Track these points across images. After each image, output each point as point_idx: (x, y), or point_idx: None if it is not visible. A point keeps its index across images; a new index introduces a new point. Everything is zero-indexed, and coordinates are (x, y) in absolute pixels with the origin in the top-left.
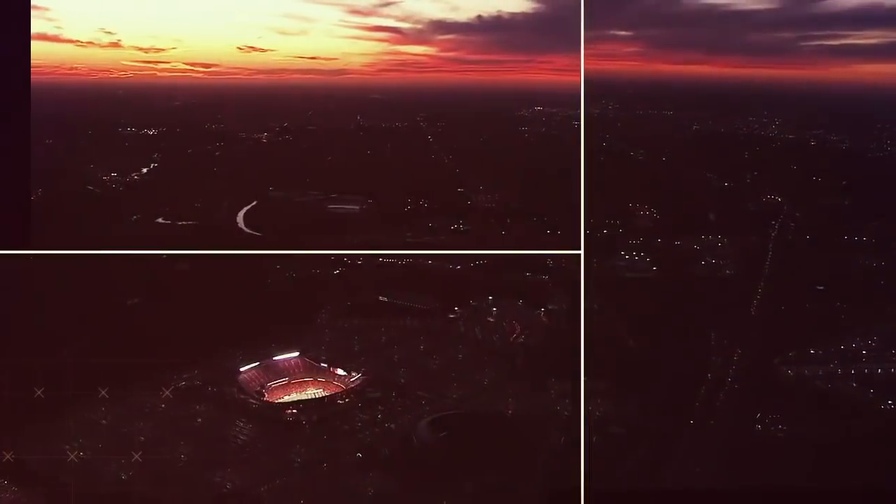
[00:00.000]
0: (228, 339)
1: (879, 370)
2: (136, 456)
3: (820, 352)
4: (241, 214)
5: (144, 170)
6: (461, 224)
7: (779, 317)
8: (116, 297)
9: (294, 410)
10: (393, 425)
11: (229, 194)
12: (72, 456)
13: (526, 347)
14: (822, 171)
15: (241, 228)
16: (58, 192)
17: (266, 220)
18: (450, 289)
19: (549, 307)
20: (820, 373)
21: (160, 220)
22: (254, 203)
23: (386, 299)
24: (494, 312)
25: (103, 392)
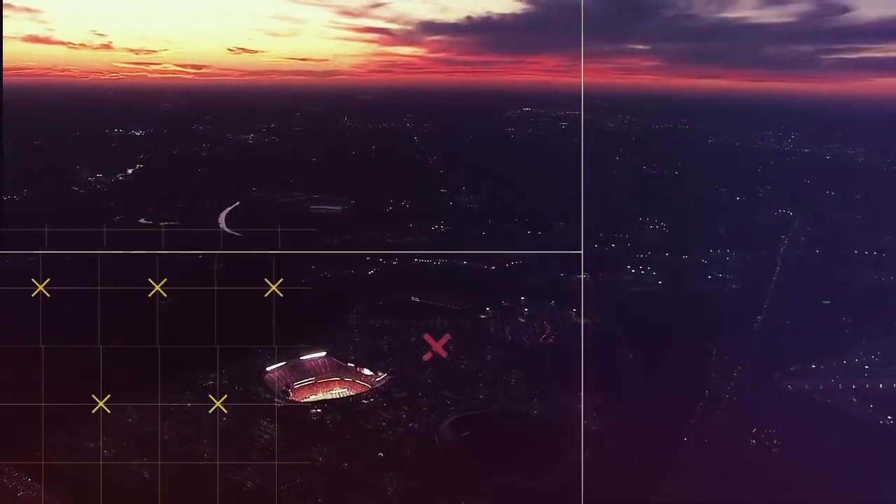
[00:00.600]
0: (258, 339)
1: (881, 385)
2: (159, 454)
3: (822, 366)
4: (223, 215)
5: (130, 171)
6: (442, 224)
7: (783, 331)
8: (150, 297)
9: (318, 410)
10: (417, 425)
11: (212, 195)
12: (96, 453)
13: (555, 348)
14: (836, 185)
15: (222, 229)
16: (43, 193)
17: (248, 221)
18: (483, 289)
19: (582, 307)
20: (821, 387)
21: (143, 220)
22: (237, 204)
23: (418, 299)
24: (526, 313)
25: (129, 392)
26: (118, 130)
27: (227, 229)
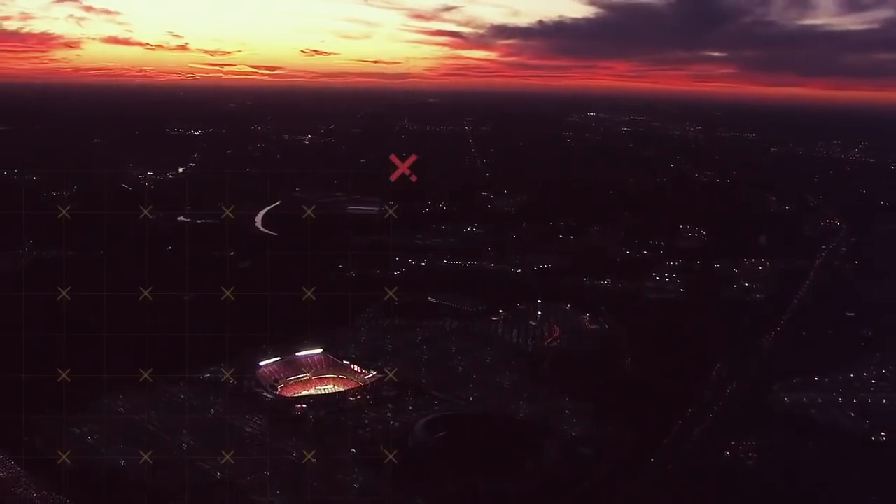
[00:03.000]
0: (268, 334)
1: (884, 400)
2: (140, 443)
3: (826, 379)
4: (261, 214)
5: (181, 169)
6: (475, 227)
7: (796, 342)
8: (173, 292)
9: (304, 405)
10: (398, 423)
11: (255, 194)
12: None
13: (558, 351)
14: (893, 196)
15: (257, 227)
16: (90, 190)
17: (284, 220)
18: (505, 291)
19: (597, 312)
20: (819, 400)
21: (181, 217)
22: (277, 203)
23: (435, 300)
24: (538, 316)
25: (126, 382)
26: (178, 130)
27: (262, 228)
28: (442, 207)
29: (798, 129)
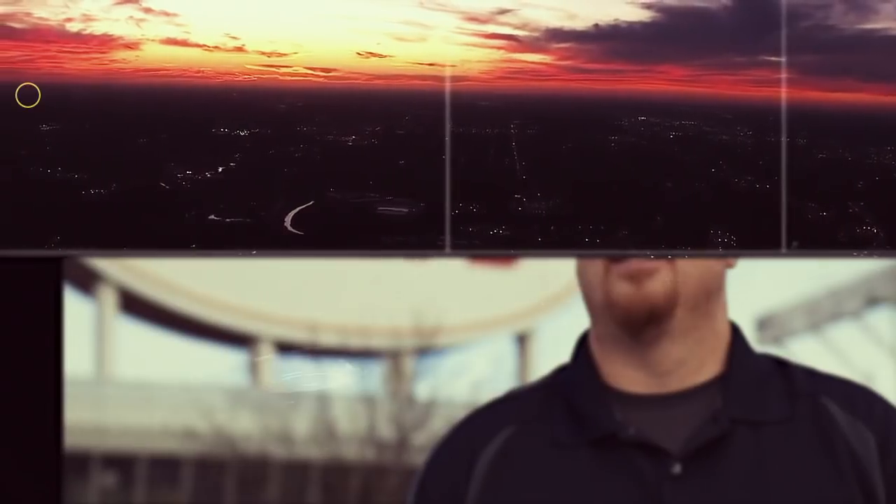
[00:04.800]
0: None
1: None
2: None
3: None
4: (291, 214)
5: (220, 168)
6: (502, 229)
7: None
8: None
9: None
10: None
11: (289, 194)
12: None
13: None
14: None
15: (285, 226)
16: (128, 189)
17: (312, 221)
18: None
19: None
20: None
21: (212, 217)
22: (310, 203)
23: None
24: None
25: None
26: (224, 130)
27: (290, 227)
28: (472, 209)
29: (852, 134)
